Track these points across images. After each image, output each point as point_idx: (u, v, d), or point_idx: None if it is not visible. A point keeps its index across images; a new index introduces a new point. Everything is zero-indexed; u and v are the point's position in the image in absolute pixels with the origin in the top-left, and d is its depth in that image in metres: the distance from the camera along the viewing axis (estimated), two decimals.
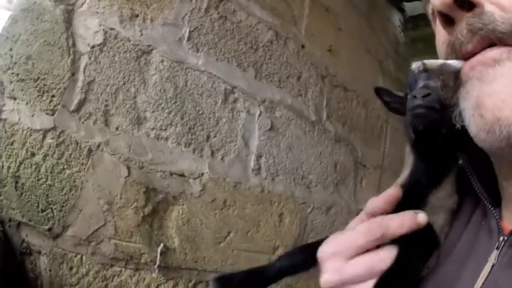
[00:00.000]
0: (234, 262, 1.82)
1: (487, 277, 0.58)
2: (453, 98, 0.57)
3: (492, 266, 0.59)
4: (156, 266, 1.56)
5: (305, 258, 0.80)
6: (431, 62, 0.56)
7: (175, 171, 1.66)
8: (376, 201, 0.67)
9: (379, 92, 0.87)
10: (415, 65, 0.57)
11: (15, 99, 1.32)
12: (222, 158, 1.82)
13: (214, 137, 1.80)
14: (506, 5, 0.50)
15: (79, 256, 1.41)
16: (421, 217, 0.63)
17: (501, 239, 0.60)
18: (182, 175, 1.69)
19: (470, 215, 0.70)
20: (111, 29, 1.51)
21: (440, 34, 0.59)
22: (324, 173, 2.27)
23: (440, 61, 0.56)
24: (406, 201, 0.67)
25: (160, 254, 1.58)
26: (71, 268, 1.40)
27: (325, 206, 2.25)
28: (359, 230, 0.64)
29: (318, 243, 0.70)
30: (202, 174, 1.75)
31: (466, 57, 0.53)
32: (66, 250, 1.39)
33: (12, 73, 1.33)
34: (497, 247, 0.60)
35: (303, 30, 2.22)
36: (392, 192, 0.66)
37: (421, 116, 0.68)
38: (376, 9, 2.90)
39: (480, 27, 0.50)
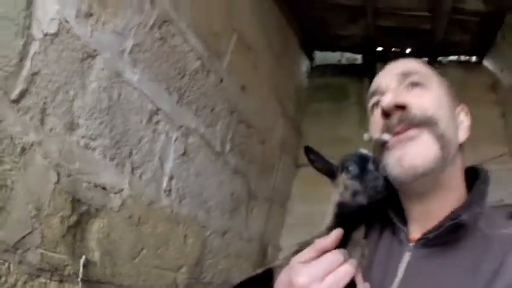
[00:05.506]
0: (146, 278, 1.62)
1: (405, 269, 0.81)
2: (380, 157, 0.84)
3: (408, 262, 0.81)
4: (79, 279, 1.30)
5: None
6: (374, 136, 0.87)
7: (99, 184, 1.44)
8: (327, 241, 0.76)
9: (307, 150, 0.94)
10: (366, 136, 0.91)
11: None
12: (140, 176, 1.64)
13: (136, 154, 1.61)
14: (426, 106, 0.82)
15: (7, 264, 1.10)
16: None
17: (411, 245, 0.84)
18: (104, 188, 1.46)
19: (380, 233, 0.92)
20: (66, 21, 1.27)
21: (378, 120, 0.86)
22: (222, 200, 2.17)
23: (377, 136, 0.85)
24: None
25: (83, 267, 1.32)
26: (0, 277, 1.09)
27: (222, 231, 2.14)
28: (332, 259, 0.74)
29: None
30: (123, 189, 1.54)
31: (395, 134, 0.82)
32: None
33: None
34: (409, 250, 0.83)
35: (225, 64, 2.14)
36: (338, 234, 0.76)
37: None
38: (289, 52, 2.92)
39: (405, 119, 0.81)
